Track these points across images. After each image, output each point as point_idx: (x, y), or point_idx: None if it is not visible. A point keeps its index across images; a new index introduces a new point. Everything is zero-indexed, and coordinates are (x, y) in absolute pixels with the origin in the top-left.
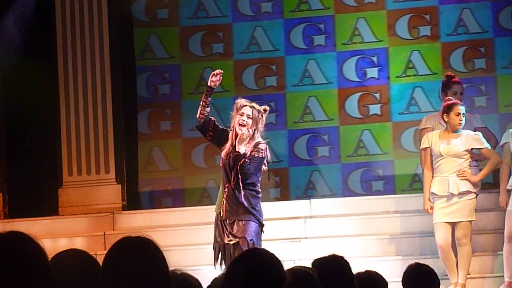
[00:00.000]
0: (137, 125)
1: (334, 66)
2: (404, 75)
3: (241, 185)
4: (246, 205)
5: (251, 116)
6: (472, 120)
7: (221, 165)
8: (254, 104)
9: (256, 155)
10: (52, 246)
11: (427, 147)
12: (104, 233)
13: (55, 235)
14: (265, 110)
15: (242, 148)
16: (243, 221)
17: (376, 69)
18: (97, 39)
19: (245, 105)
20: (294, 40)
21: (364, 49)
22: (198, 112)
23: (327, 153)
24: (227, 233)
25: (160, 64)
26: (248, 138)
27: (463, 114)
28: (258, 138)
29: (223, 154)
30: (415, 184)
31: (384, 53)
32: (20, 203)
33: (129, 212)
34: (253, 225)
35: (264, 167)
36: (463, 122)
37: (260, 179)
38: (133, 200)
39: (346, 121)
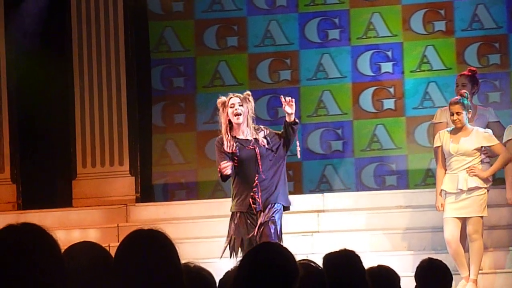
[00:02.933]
0: (151, 118)
1: (348, 61)
2: (418, 70)
3: (274, 173)
4: (278, 188)
5: (241, 104)
6: (486, 114)
7: (236, 162)
8: (237, 94)
9: (269, 131)
10: (65, 237)
11: (439, 146)
12: (118, 225)
13: (68, 227)
14: (248, 95)
15: (246, 136)
16: (273, 204)
17: (390, 63)
18: (112, 32)
19: (231, 97)
20: (308, 34)
21: (378, 44)
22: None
23: (341, 147)
24: (252, 226)
25: (175, 57)
26: (246, 125)
27: (466, 109)
28: (252, 125)
29: (228, 149)
30: (428, 179)
31: (398, 47)
32: (33, 195)
33: (142, 204)
34: (279, 208)
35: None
36: (464, 119)
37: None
38: (147, 193)
39: (360, 116)
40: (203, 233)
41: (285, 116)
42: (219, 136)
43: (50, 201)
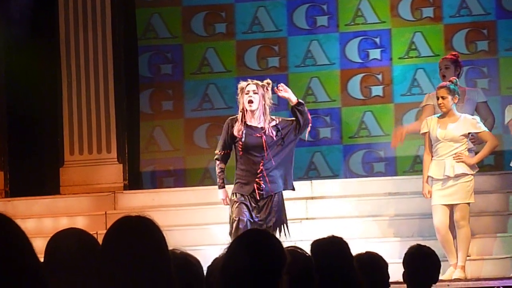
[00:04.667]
0: (139, 105)
1: (336, 47)
2: (406, 57)
3: (281, 161)
4: (283, 175)
5: (256, 91)
6: (475, 94)
7: (240, 147)
8: (256, 81)
9: (280, 119)
10: (53, 225)
11: (426, 132)
12: (106, 212)
13: (56, 214)
14: (268, 83)
15: (258, 124)
16: (277, 196)
17: (378, 50)
18: (100, 19)
19: (248, 84)
20: (297, 20)
21: (366, 30)
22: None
23: (329, 134)
24: (257, 212)
25: (163, 43)
26: (261, 113)
27: (452, 94)
28: (269, 115)
29: (236, 133)
30: (416, 166)
31: (386, 34)
32: (21, 182)
33: (130, 191)
34: (281, 196)
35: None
36: (449, 103)
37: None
38: (135, 180)
39: (348, 102)
40: (192, 220)
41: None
42: (232, 117)
43: (38, 188)
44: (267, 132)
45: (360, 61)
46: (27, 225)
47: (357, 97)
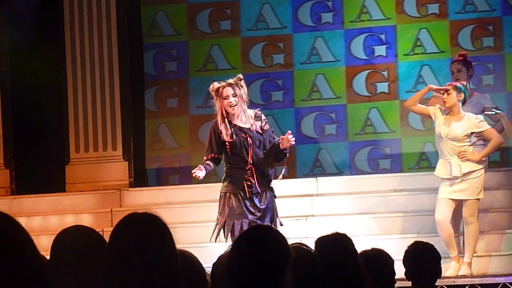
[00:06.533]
0: (144, 102)
1: (342, 44)
2: (412, 53)
3: (265, 160)
4: (271, 176)
5: (235, 94)
6: (481, 100)
7: (228, 147)
8: (229, 81)
9: (268, 127)
10: (59, 222)
11: (431, 112)
12: (111, 209)
13: (62, 212)
14: (240, 79)
15: (243, 123)
16: (268, 192)
17: (384, 47)
18: (105, 16)
19: (224, 87)
20: (302, 17)
21: (372, 27)
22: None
23: (334, 131)
24: (251, 209)
25: (167, 41)
26: (242, 111)
27: (458, 92)
28: (247, 108)
29: (226, 138)
30: (422, 162)
31: (392, 31)
32: (27, 180)
33: (136, 189)
34: (273, 193)
35: None
36: (452, 100)
37: None
38: (140, 177)
39: (354, 99)
40: (197, 218)
41: (278, 142)
42: (215, 120)
43: (43, 186)
44: (252, 128)
45: (366, 57)
46: (33, 223)
47: (362, 94)
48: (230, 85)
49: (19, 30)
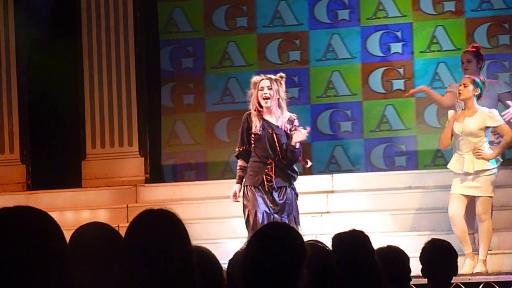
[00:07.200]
0: (161, 99)
1: (358, 41)
2: (428, 51)
3: (286, 157)
4: (292, 173)
5: (271, 87)
6: (495, 86)
7: (253, 139)
8: (270, 76)
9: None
10: (75, 218)
11: (450, 120)
12: (127, 205)
13: (78, 208)
14: (281, 77)
15: (274, 120)
16: (290, 188)
17: (400, 44)
18: (121, 13)
19: (262, 79)
20: (318, 14)
21: (388, 24)
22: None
23: (350, 128)
24: (269, 203)
25: (184, 37)
26: (276, 107)
27: (474, 86)
28: (285, 108)
29: (255, 129)
30: (437, 159)
31: (408, 28)
32: (43, 175)
33: (152, 185)
34: (293, 193)
35: None
36: (468, 93)
37: None
38: (156, 173)
39: (370, 96)
40: (213, 214)
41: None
42: (248, 112)
43: (59, 181)
44: (281, 127)
45: (382, 55)
46: None
47: (378, 91)
48: (269, 78)
49: (37, 27)
